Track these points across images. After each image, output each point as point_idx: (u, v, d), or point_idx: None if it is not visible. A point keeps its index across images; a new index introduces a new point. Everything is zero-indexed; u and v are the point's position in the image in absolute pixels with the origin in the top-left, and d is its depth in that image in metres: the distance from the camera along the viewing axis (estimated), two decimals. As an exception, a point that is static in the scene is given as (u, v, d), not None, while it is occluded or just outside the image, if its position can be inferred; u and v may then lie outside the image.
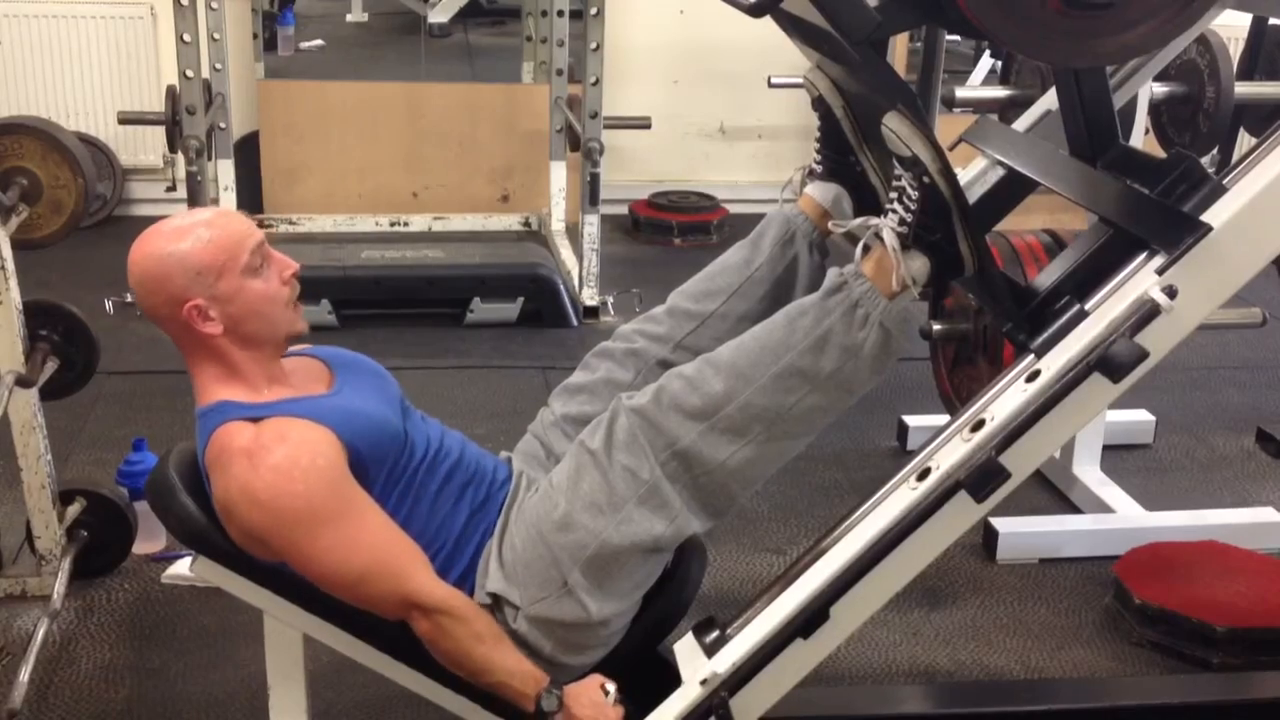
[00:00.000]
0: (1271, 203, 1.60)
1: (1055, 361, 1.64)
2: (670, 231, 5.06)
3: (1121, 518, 2.98)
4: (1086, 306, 1.67)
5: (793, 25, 1.76)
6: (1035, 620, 2.67)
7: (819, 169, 2.05)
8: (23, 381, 2.42)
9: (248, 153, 4.89)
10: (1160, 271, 1.61)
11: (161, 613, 2.59)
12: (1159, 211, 1.68)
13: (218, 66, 4.52)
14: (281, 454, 1.63)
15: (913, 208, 1.69)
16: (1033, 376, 1.66)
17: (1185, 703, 2.33)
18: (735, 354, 1.75)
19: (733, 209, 5.08)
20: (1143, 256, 1.66)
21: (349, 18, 6.35)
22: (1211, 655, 2.50)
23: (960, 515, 1.66)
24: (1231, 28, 2.95)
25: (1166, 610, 2.55)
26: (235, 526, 1.67)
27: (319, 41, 6.12)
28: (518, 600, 1.73)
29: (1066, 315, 1.68)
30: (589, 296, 4.22)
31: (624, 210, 5.20)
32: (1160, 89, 2.94)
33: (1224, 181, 1.65)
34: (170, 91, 3.91)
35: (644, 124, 4.66)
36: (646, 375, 1.92)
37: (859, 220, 1.79)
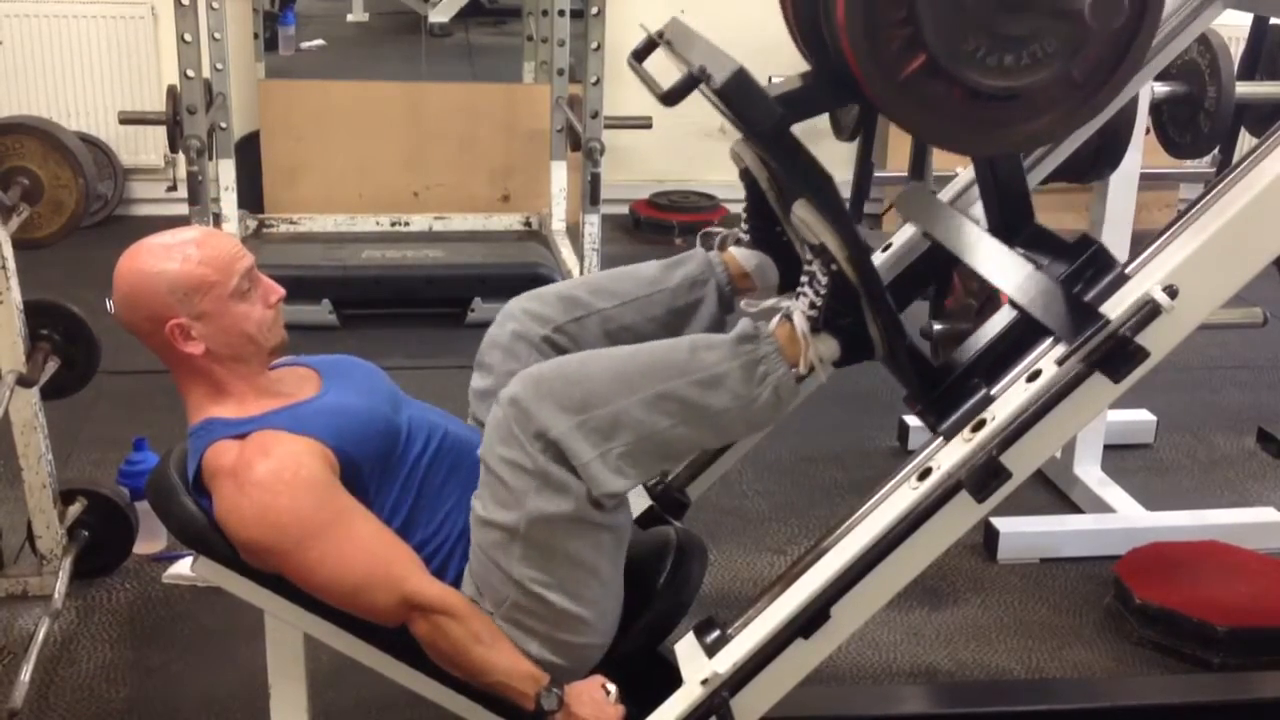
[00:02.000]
0: (1272, 203, 1.60)
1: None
2: (671, 231, 5.06)
3: (1122, 517, 2.98)
4: (993, 391, 1.69)
5: (716, 105, 1.79)
6: (1036, 620, 2.67)
7: (745, 238, 2.05)
8: (24, 381, 2.42)
9: (248, 152, 4.89)
10: (1060, 361, 1.62)
11: (162, 613, 2.60)
12: (1062, 300, 1.69)
13: (219, 66, 4.52)
14: (265, 470, 1.64)
15: (822, 292, 1.71)
16: (1033, 376, 1.66)
17: (1185, 703, 2.33)
18: (627, 359, 1.73)
19: (733, 209, 5.07)
20: (1048, 342, 1.68)
21: (350, 17, 6.35)
22: (1212, 655, 2.50)
23: (961, 515, 1.66)
24: (1232, 28, 2.95)
25: (1167, 610, 2.55)
26: (233, 543, 1.69)
27: (320, 41, 6.12)
28: (489, 607, 1.73)
29: (973, 400, 1.69)
30: (589, 296, 4.21)
31: (625, 210, 5.20)
32: (1161, 89, 2.93)
33: (1125, 271, 1.66)
34: (171, 91, 3.91)
35: (645, 124, 4.65)
36: (533, 352, 1.91)
37: (771, 301, 1.78)
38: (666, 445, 1.70)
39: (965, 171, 2.28)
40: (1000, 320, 1.83)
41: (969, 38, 1.46)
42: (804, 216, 1.68)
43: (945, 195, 2.29)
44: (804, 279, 1.75)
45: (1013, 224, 1.93)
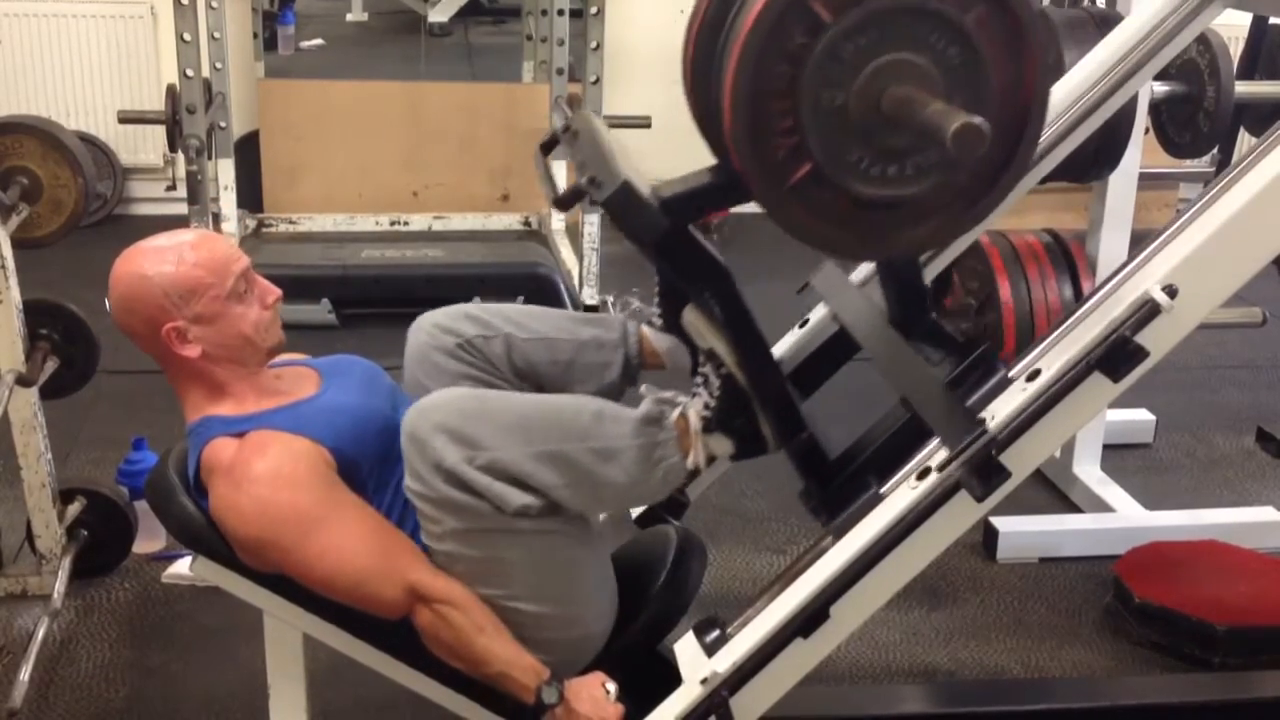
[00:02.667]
0: (1271, 202, 1.60)
1: (1054, 361, 1.64)
2: (670, 231, 5.06)
3: (1121, 517, 2.98)
4: (882, 490, 1.71)
5: None
6: (1035, 619, 2.67)
7: (657, 321, 2.05)
8: (23, 380, 2.42)
9: (248, 152, 4.89)
10: (941, 467, 1.63)
11: (161, 612, 2.60)
12: (947, 403, 1.70)
13: (218, 66, 4.52)
14: (262, 467, 1.64)
15: (716, 394, 1.72)
16: (1033, 376, 1.66)
17: (1185, 702, 2.33)
18: (532, 408, 1.72)
19: (732, 209, 5.06)
20: (934, 444, 1.69)
21: (349, 17, 6.36)
22: (1212, 655, 2.50)
23: (960, 514, 1.66)
24: (1231, 27, 2.95)
25: (1167, 609, 2.55)
26: (231, 542, 1.69)
27: (319, 41, 6.13)
28: None
29: (863, 498, 1.72)
30: (589, 296, 4.22)
31: (624, 210, 5.19)
32: (1160, 88, 2.94)
33: (1009, 375, 1.67)
34: (170, 91, 3.91)
35: (644, 123, 4.65)
36: (449, 359, 1.92)
37: (670, 394, 1.78)
38: (548, 499, 1.68)
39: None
40: (893, 418, 1.86)
41: (853, 149, 1.46)
42: (693, 321, 1.72)
43: (858, 275, 2.30)
44: (698, 379, 1.77)
45: (910, 318, 1.97)
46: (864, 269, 2.29)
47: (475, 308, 2.00)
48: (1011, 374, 1.67)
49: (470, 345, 1.93)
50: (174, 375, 1.76)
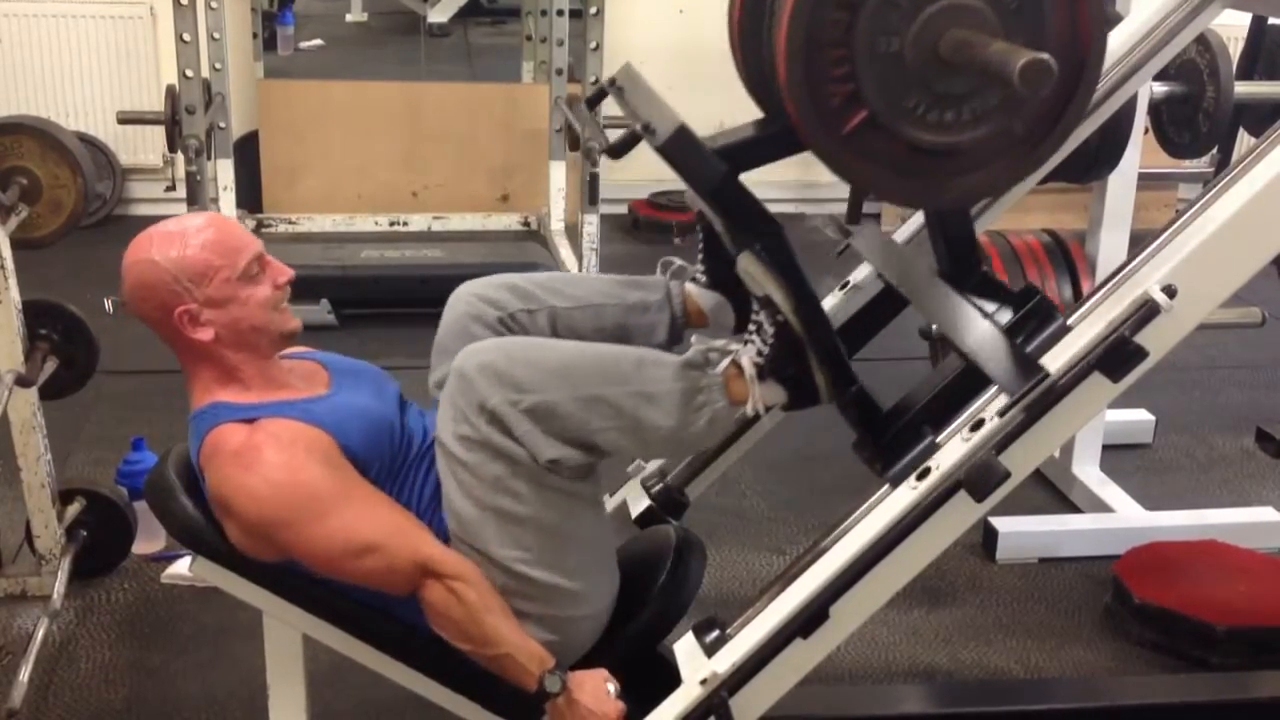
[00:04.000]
0: (1271, 202, 1.60)
1: (1055, 361, 1.64)
2: (670, 231, 5.06)
3: (1121, 517, 2.98)
4: (939, 439, 1.70)
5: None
6: (1035, 620, 2.67)
7: (702, 278, 2.06)
8: (22, 381, 2.42)
9: (247, 152, 4.89)
10: (1001, 413, 1.63)
11: (161, 612, 2.59)
12: (1005, 350, 1.70)
13: (217, 66, 4.52)
14: (276, 449, 1.64)
15: (769, 342, 1.72)
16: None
17: (1185, 702, 2.33)
18: (575, 354, 1.75)
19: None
20: (991, 392, 1.69)
21: (348, 17, 6.35)
22: (1211, 655, 2.50)
23: (960, 515, 1.66)
24: (1231, 28, 2.95)
25: (1166, 610, 2.55)
26: (235, 526, 1.68)
27: (318, 41, 6.12)
28: None
29: (919, 447, 1.71)
30: (589, 296, 4.21)
31: (624, 210, 5.20)
32: (1160, 88, 2.94)
33: (1068, 323, 1.67)
34: (170, 91, 3.91)
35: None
36: (489, 333, 1.92)
37: (721, 343, 1.80)
38: (595, 445, 1.71)
39: (915, 217, 2.30)
40: (948, 368, 1.85)
41: (909, 95, 1.47)
42: (749, 269, 1.71)
43: (901, 235, 2.31)
44: (751, 328, 1.78)
45: (961, 271, 1.96)
46: (906, 229, 2.29)
47: (517, 278, 2.01)
48: (1070, 321, 1.66)
49: (513, 320, 1.94)
50: (186, 359, 1.75)
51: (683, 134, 1.58)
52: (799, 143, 1.54)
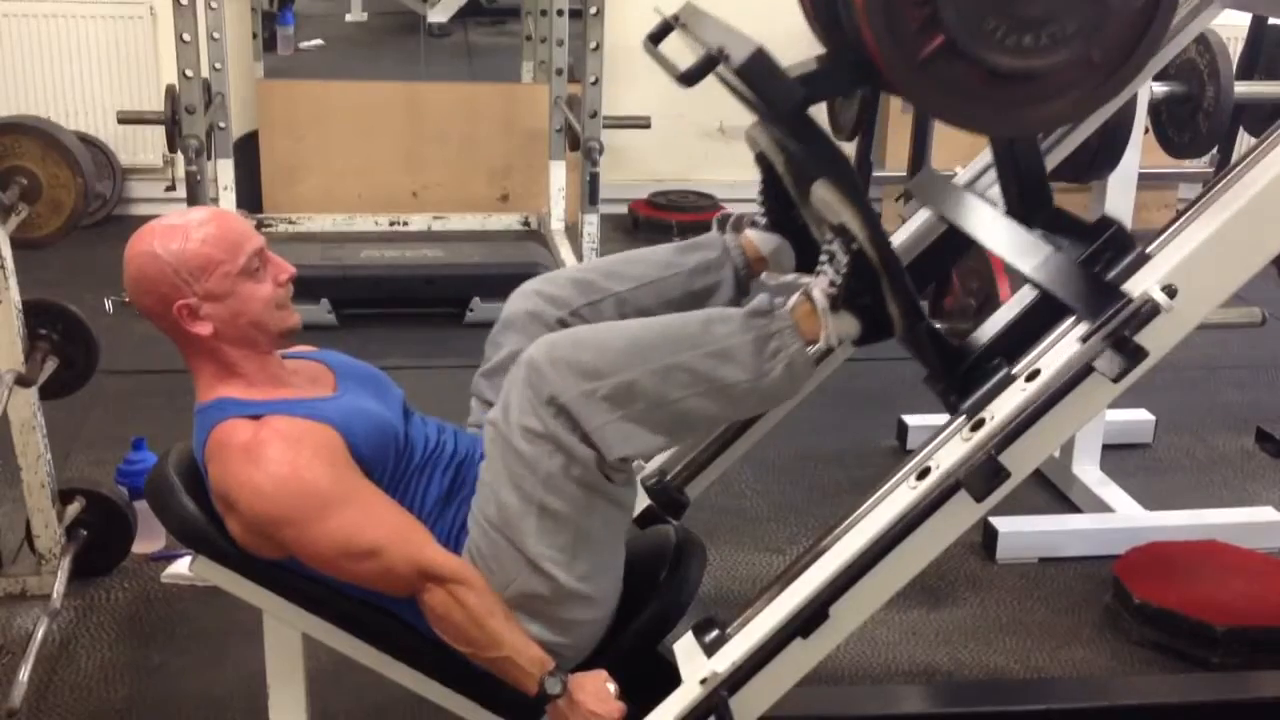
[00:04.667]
0: (1270, 202, 1.60)
1: (1055, 361, 1.64)
2: (670, 231, 5.06)
3: (1121, 517, 2.98)
4: (1014, 370, 1.69)
5: (730, 88, 1.79)
6: (1035, 620, 2.67)
7: (761, 220, 2.06)
8: (22, 381, 2.42)
9: (247, 152, 4.89)
10: (1084, 339, 1.63)
11: (161, 612, 2.59)
12: (1084, 279, 1.70)
13: (217, 66, 4.52)
14: (283, 446, 1.64)
15: (842, 271, 1.71)
16: (1033, 376, 1.66)
17: (1185, 702, 2.33)
18: (641, 330, 1.74)
19: (732, 208, 5.05)
20: (1069, 322, 1.68)
21: (348, 17, 6.35)
22: (1211, 655, 2.50)
23: (960, 514, 1.66)
24: (1231, 27, 2.95)
25: (1166, 610, 2.55)
26: (238, 521, 1.67)
27: (318, 41, 6.12)
28: (495, 587, 1.72)
29: (995, 378, 1.70)
30: (589, 296, 4.21)
31: (624, 210, 5.20)
32: (1160, 88, 2.93)
33: (1146, 251, 1.66)
34: (170, 91, 3.91)
35: (644, 124, 4.66)
36: (547, 332, 1.89)
37: (791, 277, 1.80)
38: (680, 416, 1.71)
39: (976, 161, 2.29)
40: (1019, 301, 1.83)
41: (988, 18, 1.47)
42: (824, 196, 1.68)
43: (961, 180, 2.29)
44: (823, 258, 1.75)
45: (1031, 206, 1.93)
46: (966, 174, 2.29)
47: (579, 270, 2.00)
48: (1149, 250, 1.65)
49: (578, 316, 1.94)
50: (187, 353, 1.75)
51: (761, 55, 1.54)
52: (870, 74, 1.53)
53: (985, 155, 2.27)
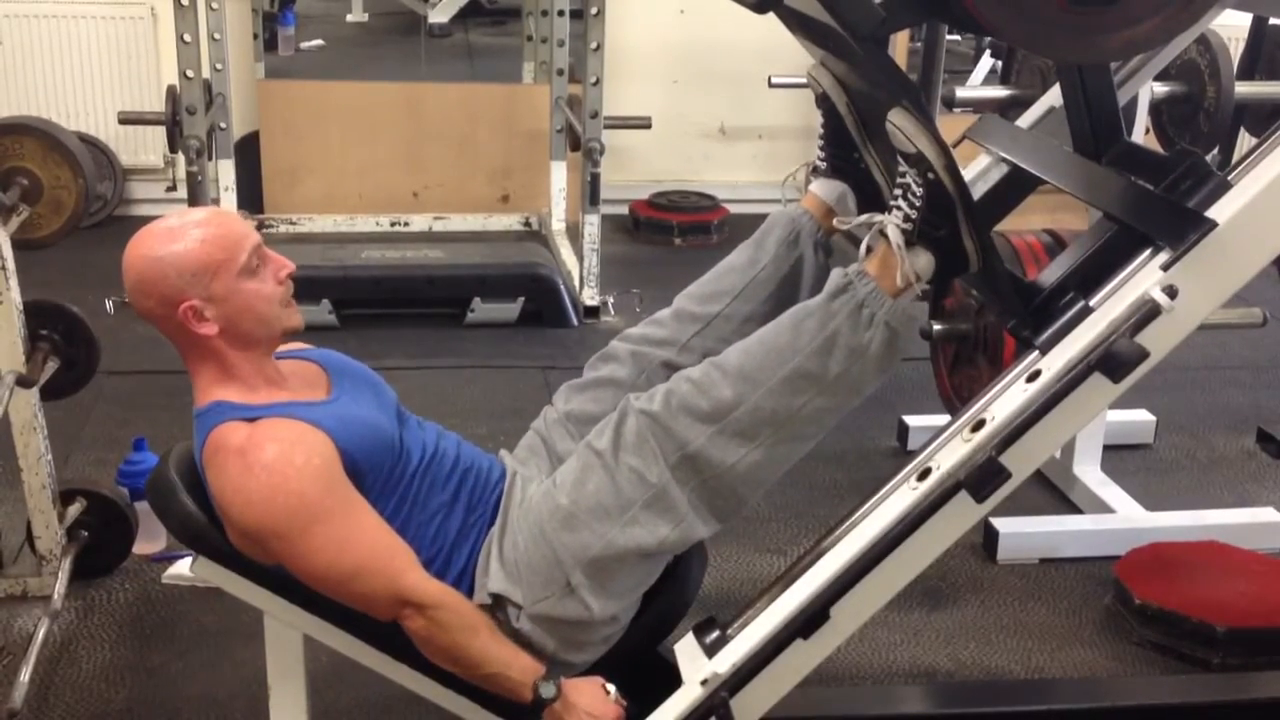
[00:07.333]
0: (1272, 202, 1.60)
1: (1056, 361, 1.64)
2: (670, 231, 5.06)
3: (1122, 518, 2.97)
4: (1091, 303, 1.68)
5: (797, 21, 1.77)
6: (1035, 620, 2.67)
7: (823, 166, 2.04)
8: (23, 381, 2.42)
9: (248, 153, 4.89)
10: (1165, 267, 1.61)
11: (162, 613, 2.59)
12: (1164, 208, 1.69)
13: (218, 66, 4.52)
14: (275, 453, 1.63)
15: (917, 204, 1.69)
16: (1033, 376, 1.66)
17: (1185, 703, 2.33)
18: (742, 358, 1.75)
19: (733, 209, 5.07)
20: (1147, 253, 1.67)
21: (349, 18, 6.35)
22: (1212, 655, 2.50)
23: (960, 515, 1.66)
24: (1231, 28, 2.95)
25: (1167, 610, 2.55)
26: (232, 527, 1.68)
27: (319, 41, 6.12)
28: (520, 599, 1.72)
29: (1071, 312, 1.68)
30: (589, 296, 4.22)
31: (624, 210, 5.20)
32: (1161, 88, 2.94)
33: (1229, 178, 1.65)
34: (170, 91, 3.91)
35: (644, 124, 4.65)
36: (651, 377, 1.91)
37: (864, 217, 1.78)
38: (812, 420, 1.74)
39: (1035, 106, 2.26)
40: (1092, 236, 1.81)
41: None
42: (901, 124, 1.67)
43: (1024, 123, 2.29)
44: (897, 191, 1.73)
45: (1103, 141, 1.91)
46: (1028, 118, 2.27)
47: (671, 308, 1.99)
48: (1232, 178, 1.64)
49: (688, 350, 1.93)
50: (188, 355, 1.74)
51: None
52: (944, 5, 1.51)
53: (1045, 101, 2.24)
